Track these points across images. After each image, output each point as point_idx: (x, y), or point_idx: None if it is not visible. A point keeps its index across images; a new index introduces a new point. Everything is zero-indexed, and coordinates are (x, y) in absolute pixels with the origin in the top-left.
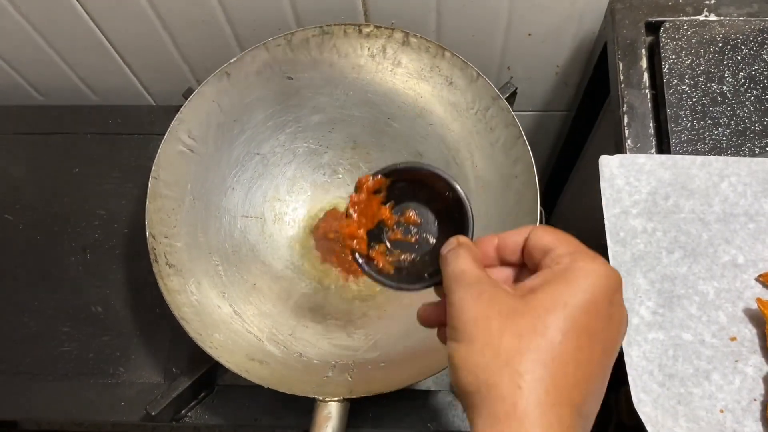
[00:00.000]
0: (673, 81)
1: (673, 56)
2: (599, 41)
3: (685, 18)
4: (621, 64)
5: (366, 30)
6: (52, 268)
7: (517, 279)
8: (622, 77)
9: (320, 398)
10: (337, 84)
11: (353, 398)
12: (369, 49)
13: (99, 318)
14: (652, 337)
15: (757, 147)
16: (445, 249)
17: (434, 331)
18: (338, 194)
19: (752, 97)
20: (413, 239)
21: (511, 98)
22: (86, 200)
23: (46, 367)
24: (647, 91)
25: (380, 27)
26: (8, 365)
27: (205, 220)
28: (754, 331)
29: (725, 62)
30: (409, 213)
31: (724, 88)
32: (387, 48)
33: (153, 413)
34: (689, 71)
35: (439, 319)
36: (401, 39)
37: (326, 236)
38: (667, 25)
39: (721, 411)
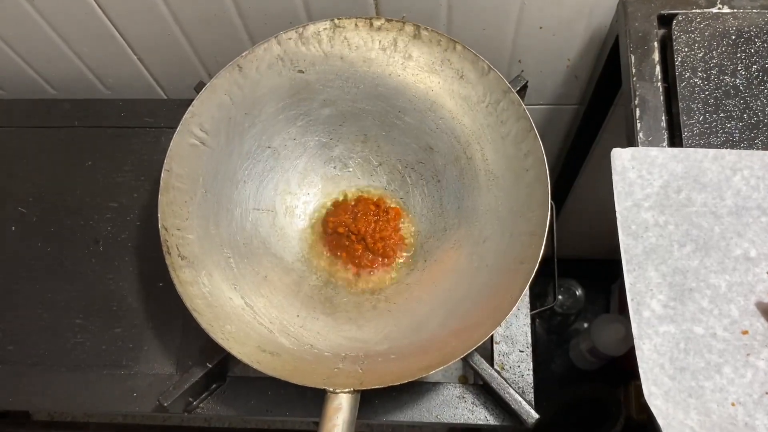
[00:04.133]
0: (686, 74)
1: (686, 49)
2: (611, 34)
3: (697, 10)
4: (633, 57)
5: (377, 23)
6: (65, 260)
7: None
8: (634, 70)
9: (331, 389)
10: (348, 77)
11: (363, 389)
12: (380, 42)
13: (112, 310)
14: (664, 331)
15: None
16: None
17: (444, 323)
18: (349, 187)
19: (765, 90)
20: None
21: (522, 91)
22: (99, 193)
23: (59, 359)
24: (659, 84)
25: (391, 20)
26: (21, 356)
27: (217, 212)
28: (766, 324)
29: (738, 55)
30: None
31: (737, 81)
32: (398, 41)
33: (165, 404)
34: (702, 64)
35: None
36: (412, 32)
37: (336, 230)
38: (680, 18)
39: (733, 404)
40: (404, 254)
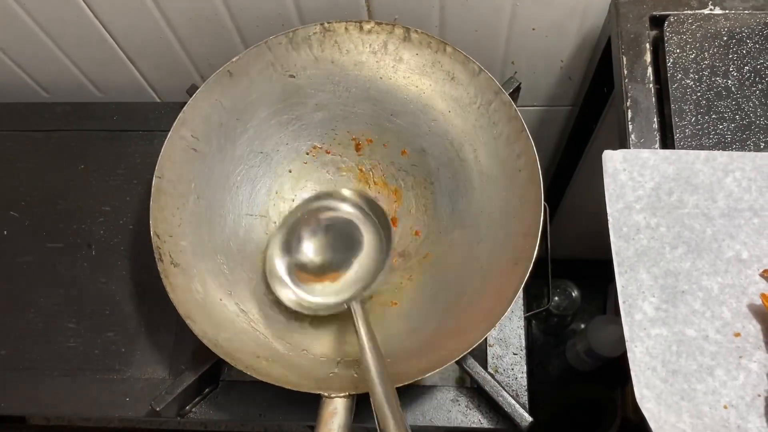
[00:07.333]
0: (678, 75)
1: (678, 50)
2: (603, 35)
3: (689, 12)
4: (625, 59)
5: (367, 26)
6: (58, 264)
7: None
8: (626, 72)
9: (326, 394)
10: (339, 81)
11: (359, 394)
12: (370, 45)
13: (104, 314)
14: (656, 333)
15: (762, 141)
16: None
17: (439, 326)
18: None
19: (757, 92)
20: None
21: (515, 93)
22: (91, 197)
23: (51, 363)
24: (651, 85)
25: (381, 23)
26: (15, 361)
27: (210, 218)
28: (759, 326)
29: (730, 56)
30: None
31: (729, 82)
32: (388, 44)
33: (158, 408)
34: (694, 65)
35: None
36: (402, 35)
37: None
38: (672, 19)
39: (725, 407)
40: (398, 258)
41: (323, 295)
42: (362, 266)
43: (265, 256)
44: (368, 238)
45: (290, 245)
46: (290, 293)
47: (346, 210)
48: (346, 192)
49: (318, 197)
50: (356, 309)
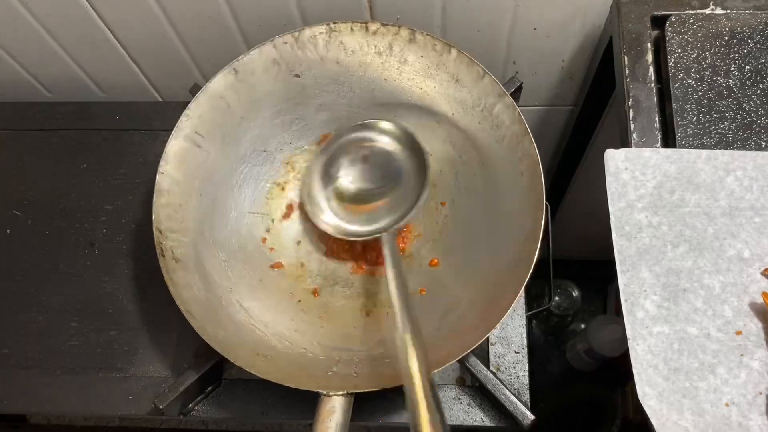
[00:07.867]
0: (679, 75)
1: (679, 50)
2: (605, 35)
3: (691, 11)
4: (626, 59)
5: (373, 27)
6: (60, 263)
7: None
8: (627, 71)
9: (324, 393)
10: (344, 81)
11: (357, 392)
12: (375, 46)
13: (107, 312)
14: (657, 331)
15: (763, 141)
16: None
17: (439, 327)
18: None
19: (759, 91)
20: None
21: (516, 93)
22: (94, 196)
23: (54, 361)
24: (653, 85)
25: (387, 24)
26: (17, 359)
27: (212, 215)
28: (760, 325)
29: (731, 56)
30: None
31: (731, 81)
32: (393, 45)
33: (160, 407)
34: (695, 65)
35: None
36: (407, 36)
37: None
38: (673, 19)
39: (727, 404)
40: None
41: (358, 222)
42: (397, 198)
43: (302, 182)
44: (405, 171)
45: (329, 172)
46: (326, 217)
47: (386, 142)
48: (386, 125)
49: (358, 128)
50: (386, 240)
